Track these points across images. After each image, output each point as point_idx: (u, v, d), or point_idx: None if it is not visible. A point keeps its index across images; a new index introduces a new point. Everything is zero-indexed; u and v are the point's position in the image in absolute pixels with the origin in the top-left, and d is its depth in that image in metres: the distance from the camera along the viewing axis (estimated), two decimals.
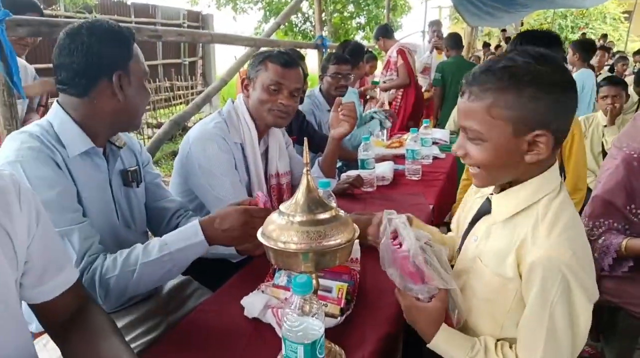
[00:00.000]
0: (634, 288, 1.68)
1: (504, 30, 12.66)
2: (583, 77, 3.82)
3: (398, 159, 2.56)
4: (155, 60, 9.28)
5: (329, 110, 2.91)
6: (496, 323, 0.92)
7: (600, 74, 5.96)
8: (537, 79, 0.83)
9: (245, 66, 2.50)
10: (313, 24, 16.01)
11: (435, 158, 2.64)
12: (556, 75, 0.84)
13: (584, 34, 15.07)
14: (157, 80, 9.09)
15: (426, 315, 0.92)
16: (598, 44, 12.53)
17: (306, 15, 15.12)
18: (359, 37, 15.87)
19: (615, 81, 3.05)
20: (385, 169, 2.21)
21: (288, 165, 1.79)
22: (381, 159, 2.52)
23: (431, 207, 1.89)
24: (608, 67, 6.84)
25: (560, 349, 0.85)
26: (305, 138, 0.91)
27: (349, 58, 2.85)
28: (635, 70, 5.69)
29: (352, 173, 2.22)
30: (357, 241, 1.33)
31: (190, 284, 1.48)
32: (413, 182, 2.23)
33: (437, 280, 0.89)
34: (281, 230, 0.83)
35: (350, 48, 3.32)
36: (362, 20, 15.62)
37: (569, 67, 4.39)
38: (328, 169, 1.85)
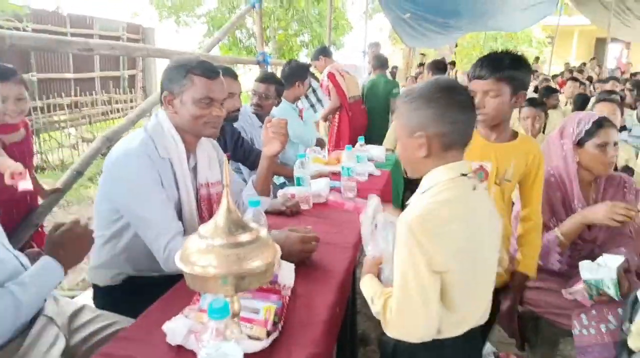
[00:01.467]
0: (552, 298, 1.79)
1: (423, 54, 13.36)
2: None
3: (335, 175, 2.59)
4: (92, 72, 8.90)
5: (261, 126, 2.91)
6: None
7: None
8: (421, 95, 1.13)
9: None
10: (257, 40, 16.03)
11: (370, 175, 2.69)
12: (437, 94, 1.11)
13: None
14: (93, 93, 8.73)
15: (365, 266, 1.30)
16: (534, 66, 13.42)
17: (251, 32, 15.09)
18: (303, 54, 16.04)
19: (535, 103, 3.27)
20: (321, 186, 2.23)
21: (219, 174, 1.76)
22: (319, 175, 2.55)
23: None
24: (533, 88, 7.30)
25: (411, 300, 1.05)
26: (224, 155, 0.90)
27: (271, 78, 2.86)
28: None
29: (289, 190, 2.23)
30: (292, 269, 1.34)
31: (85, 310, 1.46)
32: (349, 198, 2.25)
33: (372, 246, 1.30)
34: (199, 253, 0.81)
35: (291, 66, 3.32)
36: (306, 38, 15.80)
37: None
38: (261, 187, 1.83)
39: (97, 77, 9.10)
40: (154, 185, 1.47)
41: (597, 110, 2.96)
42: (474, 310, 1.17)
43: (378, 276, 1.27)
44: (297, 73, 3.28)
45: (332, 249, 1.64)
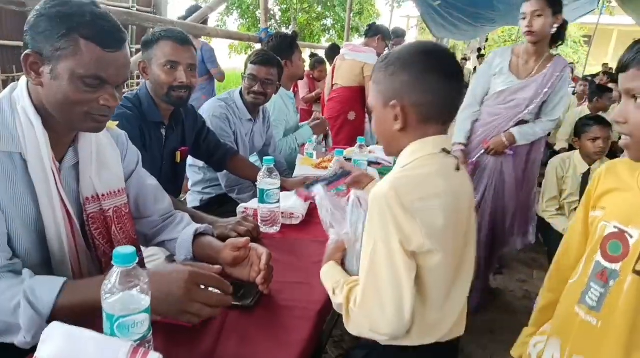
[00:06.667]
0: None
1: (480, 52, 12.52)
2: None
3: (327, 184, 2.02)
4: None
5: (250, 120, 2.34)
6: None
7: None
8: (399, 59, 0.97)
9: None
10: (279, 21, 15.42)
11: None
12: (417, 57, 0.96)
13: None
14: None
15: (327, 252, 1.14)
16: None
17: (272, 12, 14.51)
18: (324, 39, 15.40)
19: (605, 121, 2.64)
20: (295, 203, 1.65)
21: (117, 181, 1.18)
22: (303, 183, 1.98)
23: None
24: (572, 88, 6.56)
25: (380, 284, 0.89)
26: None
27: (273, 60, 2.24)
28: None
29: (251, 205, 1.67)
30: None
31: None
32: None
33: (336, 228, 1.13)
34: None
35: (276, 42, 2.64)
36: (329, 22, 15.16)
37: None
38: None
39: None
40: None
41: None
42: (447, 314, 0.98)
43: (342, 264, 1.12)
44: (289, 49, 2.67)
45: (296, 300, 1.11)
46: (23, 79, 1.02)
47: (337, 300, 0.99)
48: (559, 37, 2.33)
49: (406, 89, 0.95)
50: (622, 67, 0.90)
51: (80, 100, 0.97)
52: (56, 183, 1.01)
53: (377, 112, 1.02)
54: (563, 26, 2.30)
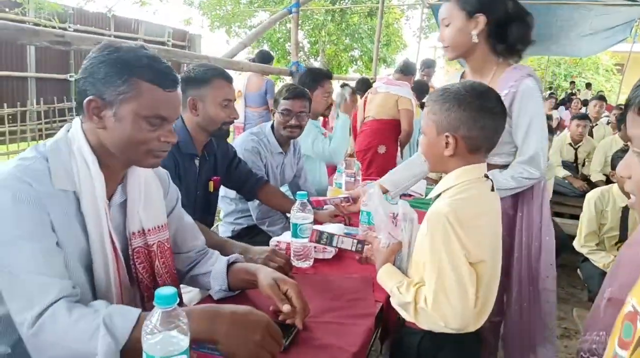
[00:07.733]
0: None
1: None
2: None
3: (355, 216, 2.01)
4: None
5: (281, 153, 2.38)
6: (418, 271, 1.16)
7: (597, 124, 5.52)
8: (455, 97, 1.14)
9: None
10: (307, 53, 15.76)
11: None
12: (471, 98, 1.13)
13: (572, 82, 14.89)
14: None
15: (379, 255, 1.27)
16: (583, 92, 12.26)
17: (301, 45, 14.84)
18: (351, 70, 15.59)
19: None
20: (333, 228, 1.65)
21: (160, 216, 1.21)
22: (334, 215, 1.98)
23: (379, 305, 1.31)
24: (607, 118, 6.42)
25: (449, 290, 1.06)
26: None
27: (304, 92, 2.29)
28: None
29: (283, 239, 1.67)
30: None
31: None
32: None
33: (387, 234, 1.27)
34: None
35: (300, 76, 2.72)
36: (356, 53, 15.37)
37: None
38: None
39: None
40: (31, 227, 0.93)
41: None
42: (490, 304, 1.17)
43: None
44: (318, 79, 2.70)
45: (331, 341, 1.08)
46: (77, 120, 1.07)
47: (403, 298, 1.13)
48: (503, 39, 1.60)
49: (460, 123, 1.12)
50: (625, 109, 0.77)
51: (144, 139, 1.03)
52: (107, 220, 1.05)
53: (429, 137, 1.19)
54: (499, 24, 1.57)
